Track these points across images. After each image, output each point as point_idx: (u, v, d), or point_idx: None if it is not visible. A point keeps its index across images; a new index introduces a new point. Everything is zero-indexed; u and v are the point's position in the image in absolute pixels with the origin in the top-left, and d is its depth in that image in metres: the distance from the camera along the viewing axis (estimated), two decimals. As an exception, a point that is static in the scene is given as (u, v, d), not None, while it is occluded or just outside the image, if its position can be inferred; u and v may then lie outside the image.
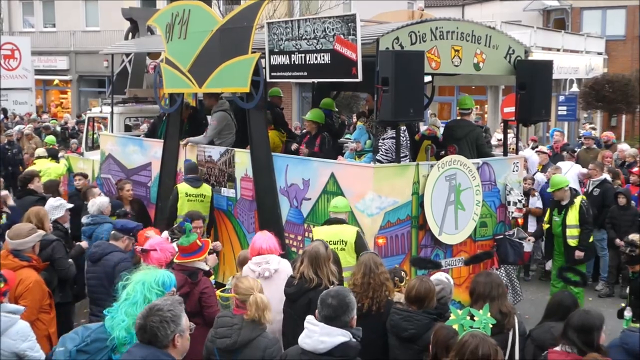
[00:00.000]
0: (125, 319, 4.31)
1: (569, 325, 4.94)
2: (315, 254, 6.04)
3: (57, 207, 8.56)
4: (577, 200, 9.98)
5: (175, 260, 6.31)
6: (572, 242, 9.95)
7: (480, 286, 5.72)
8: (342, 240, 7.31)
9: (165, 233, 7.56)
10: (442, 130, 10.26)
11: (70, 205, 8.83)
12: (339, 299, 4.52)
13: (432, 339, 4.84)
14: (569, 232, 10.00)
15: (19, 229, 6.64)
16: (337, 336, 4.40)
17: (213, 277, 7.09)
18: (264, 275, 6.33)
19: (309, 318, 4.58)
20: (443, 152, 9.46)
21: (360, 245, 7.29)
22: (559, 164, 12.92)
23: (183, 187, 9.66)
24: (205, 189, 9.76)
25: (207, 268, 6.59)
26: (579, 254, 9.92)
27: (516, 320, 5.63)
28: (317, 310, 4.55)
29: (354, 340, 4.46)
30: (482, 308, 4.88)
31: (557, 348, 4.95)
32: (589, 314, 5.01)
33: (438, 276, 6.36)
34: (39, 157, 13.49)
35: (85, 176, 11.46)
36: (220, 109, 10.39)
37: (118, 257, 6.96)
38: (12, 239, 6.45)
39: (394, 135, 8.40)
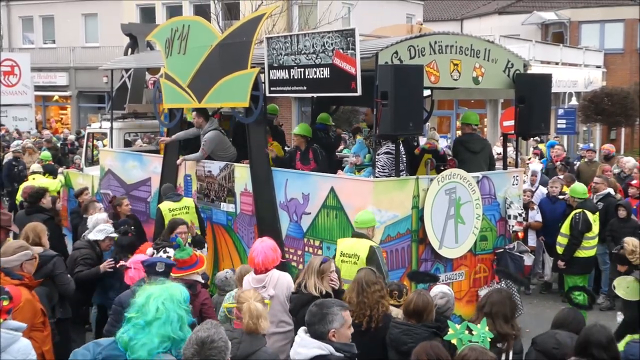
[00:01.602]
0: (155, 340, 3.93)
1: (591, 343, 4.80)
2: (307, 266, 6.13)
3: (100, 230, 8.27)
4: (574, 212, 10.20)
5: (172, 274, 6.28)
6: (559, 250, 10.37)
7: (493, 299, 5.66)
8: (356, 255, 7.23)
9: (150, 249, 7.55)
10: (441, 143, 10.27)
11: (115, 236, 8.43)
12: (318, 307, 4.56)
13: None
14: (559, 239, 10.39)
15: (7, 246, 6.45)
16: (312, 349, 4.40)
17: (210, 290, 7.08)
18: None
19: (301, 329, 4.63)
20: (443, 166, 9.47)
21: (372, 261, 7.06)
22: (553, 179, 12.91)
23: (165, 205, 9.54)
24: (187, 201, 9.70)
25: (203, 280, 6.58)
26: (560, 263, 10.35)
27: None
28: None
29: (336, 354, 4.42)
30: (481, 322, 4.87)
31: None
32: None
33: (442, 288, 6.33)
34: (34, 173, 13.45)
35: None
36: (211, 128, 10.32)
37: None
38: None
39: (388, 150, 8.42)
